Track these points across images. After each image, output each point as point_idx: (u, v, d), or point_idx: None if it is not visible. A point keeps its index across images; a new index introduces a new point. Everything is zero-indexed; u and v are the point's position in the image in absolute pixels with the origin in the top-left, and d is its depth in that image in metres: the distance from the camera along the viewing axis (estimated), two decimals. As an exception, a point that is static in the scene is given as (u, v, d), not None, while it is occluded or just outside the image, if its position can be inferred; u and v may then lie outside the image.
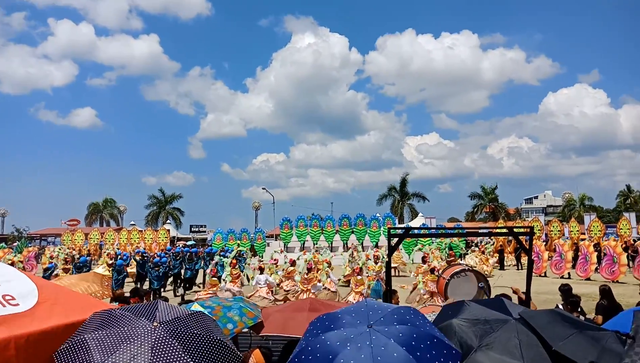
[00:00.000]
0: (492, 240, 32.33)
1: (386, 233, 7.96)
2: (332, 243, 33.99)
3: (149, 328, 2.99)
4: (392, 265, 16.15)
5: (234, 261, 17.40)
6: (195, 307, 5.01)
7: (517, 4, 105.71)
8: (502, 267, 28.15)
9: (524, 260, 25.00)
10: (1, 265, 3.69)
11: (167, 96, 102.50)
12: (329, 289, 15.90)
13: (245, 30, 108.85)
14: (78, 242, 36.50)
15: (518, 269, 27.35)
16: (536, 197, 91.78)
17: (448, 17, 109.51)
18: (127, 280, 19.14)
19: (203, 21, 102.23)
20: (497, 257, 29.02)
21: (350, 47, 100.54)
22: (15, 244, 44.01)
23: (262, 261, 24.39)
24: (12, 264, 22.09)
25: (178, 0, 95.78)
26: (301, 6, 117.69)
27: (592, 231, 32.06)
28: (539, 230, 33.47)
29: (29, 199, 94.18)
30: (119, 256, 21.16)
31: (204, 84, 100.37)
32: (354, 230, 34.34)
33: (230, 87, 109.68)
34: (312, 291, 15.51)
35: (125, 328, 2.98)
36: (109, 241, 36.06)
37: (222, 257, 19.38)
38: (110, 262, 19.70)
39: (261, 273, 16.77)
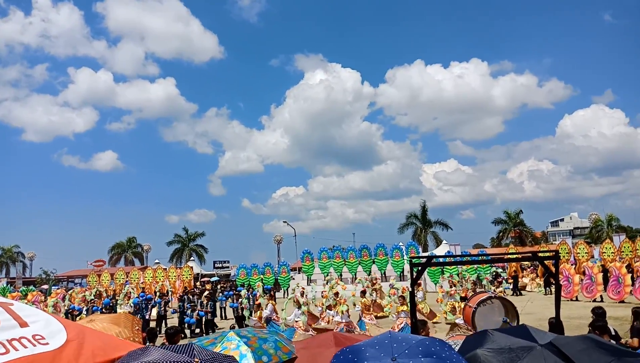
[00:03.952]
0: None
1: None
2: (355, 274, 33.62)
3: None
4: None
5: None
6: (231, 335, 5.01)
7: (522, 30, 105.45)
8: (514, 292, 27.91)
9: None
10: (28, 308, 3.78)
11: (186, 137, 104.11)
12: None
13: (257, 70, 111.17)
14: (105, 282, 36.75)
15: (546, 294, 26.70)
16: (562, 220, 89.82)
17: (456, 46, 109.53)
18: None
19: (216, 64, 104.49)
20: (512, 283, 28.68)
21: (363, 81, 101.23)
22: (44, 286, 44.73)
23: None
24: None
25: (191, 46, 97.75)
26: (309, 45, 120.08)
27: (623, 251, 31.14)
28: (567, 253, 32.68)
29: (55, 242, 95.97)
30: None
31: (221, 124, 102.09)
32: (375, 260, 34.00)
33: (246, 125, 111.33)
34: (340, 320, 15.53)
35: (169, 361, 2.99)
36: (134, 280, 36.22)
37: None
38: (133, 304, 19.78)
39: (298, 308, 16.39)
